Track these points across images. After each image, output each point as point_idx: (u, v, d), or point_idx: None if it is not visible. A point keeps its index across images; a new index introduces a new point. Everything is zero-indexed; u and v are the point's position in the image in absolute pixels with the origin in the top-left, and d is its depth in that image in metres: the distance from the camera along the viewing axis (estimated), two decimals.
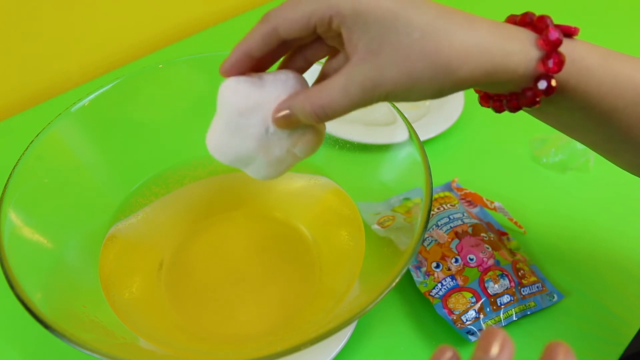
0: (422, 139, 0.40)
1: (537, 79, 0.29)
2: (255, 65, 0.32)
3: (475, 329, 0.40)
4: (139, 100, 0.47)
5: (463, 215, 0.47)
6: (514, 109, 0.31)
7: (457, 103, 0.61)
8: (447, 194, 0.50)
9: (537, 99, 0.30)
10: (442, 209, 0.48)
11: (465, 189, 0.52)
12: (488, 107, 0.34)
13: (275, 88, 0.31)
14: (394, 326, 0.43)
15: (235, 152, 0.32)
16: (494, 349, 0.22)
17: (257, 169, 0.33)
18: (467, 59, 0.28)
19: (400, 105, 0.42)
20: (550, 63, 0.28)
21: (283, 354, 0.29)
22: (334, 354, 0.39)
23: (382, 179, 0.45)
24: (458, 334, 0.41)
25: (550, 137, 0.57)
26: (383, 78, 0.28)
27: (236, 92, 0.31)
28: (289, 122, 0.31)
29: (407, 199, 0.41)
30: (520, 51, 0.29)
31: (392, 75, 0.28)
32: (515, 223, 0.50)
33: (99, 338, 0.33)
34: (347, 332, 0.40)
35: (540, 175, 0.56)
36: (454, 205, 0.48)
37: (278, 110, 0.31)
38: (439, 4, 0.29)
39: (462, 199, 0.51)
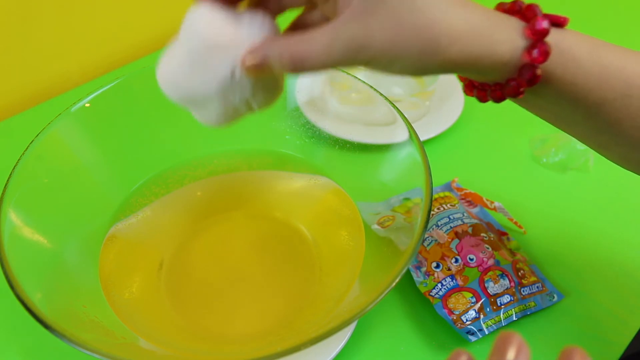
0: (422, 139, 0.40)
1: (522, 68, 0.29)
2: None
3: (475, 329, 0.40)
4: (139, 100, 0.47)
5: (463, 215, 0.47)
6: (498, 99, 0.31)
7: (457, 103, 0.61)
8: (447, 194, 0.50)
9: (521, 89, 0.29)
10: (442, 209, 0.48)
11: (465, 189, 0.52)
12: (472, 95, 0.33)
13: (251, 30, 0.28)
14: (394, 326, 0.43)
15: (190, 90, 0.29)
16: (510, 354, 0.22)
17: (207, 114, 0.30)
18: (457, 39, 0.27)
19: (400, 106, 0.42)
20: (536, 53, 0.28)
21: (283, 354, 0.29)
22: (334, 354, 0.39)
23: (382, 179, 0.45)
24: (458, 334, 0.41)
25: (550, 137, 0.57)
26: (370, 42, 0.27)
27: (209, 23, 0.27)
28: (260, 70, 0.28)
29: (407, 199, 0.41)
30: (507, 39, 0.28)
31: (380, 40, 0.27)
32: (515, 223, 0.50)
33: (99, 338, 0.33)
34: (347, 332, 0.40)
35: (540, 175, 0.56)
36: (454, 205, 0.48)
37: (252, 54, 0.28)
38: None
39: (462, 199, 0.51)
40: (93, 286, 0.39)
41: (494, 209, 0.50)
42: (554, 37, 0.29)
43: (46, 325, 0.29)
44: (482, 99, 0.32)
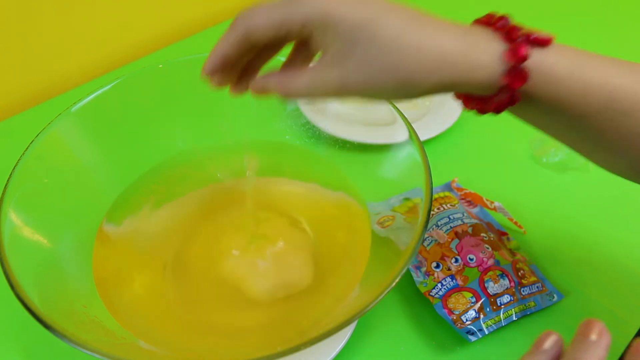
0: (422, 139, 0.40)
1: (501, 90, 0.29)
2: (235, 62, 0.33)
3: (475, 329, 0.40)
4: (139, 100, 0.47)
5: (463, 215, 0.47)
6: (481, 112, 0.32)
7: (457, 103, 0.61)
8: (447, 194, 0.50)
9: (501, 108, 0.30)
10: (442, 209, 0.48)
11: (465, 189, 0.52)
12: (459, 100, 0.34)
13: None
14: (394, 326, 0.43)
15: None
16: (593, 335, 0.25)
17: None
18: (431, 73, 0.28)
19: (400, 106, 0.42)
20: (514, 77, 0.29)
21: (283, 354, 0.29)
22: (334, 354, 0.39)
23: (382, 179, 0.45)
24: (458, 334, 0.41)
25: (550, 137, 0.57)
26: (347, 83, 0.29)
27: None
28: (262, 93, 0.33)
29: (407, 199, 0.41)
30: (485, 64, 0.29)
31: (356, 82, 0.29)
32: (515, 223, 0.50)
33: (99, 338, 0.33)
34: (347, 332, 0.40)
35: (540, 175, 0.56)
36: (454, 205, 0.48)
37: (257, 82, 0.33)
38: (409, 9, 0.29)
39: (462, 199, 0.51)
40: (93, 286, 0.39)
41: (494, 209, 0.50)
42: (535, 58, 0.29)
43: (46, 325, 0.29)
44: (466, 107, 0.33)
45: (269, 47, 0.34)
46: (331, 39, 0.29)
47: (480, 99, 0.32)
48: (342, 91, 0.30)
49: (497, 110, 0.31)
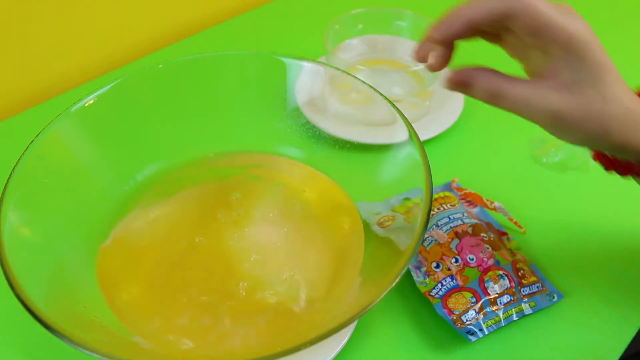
0: (422, 139, 0.40)
1: None
2: (472, 32, 0.32)
3: (475, 329, 0.40)
4: (139, 100, 0.47)
5: (463, 215, 0.47)
6: (624, 174, 0.35)
7: (457, 103, 0.61)
8: (447, 194, 0.50)
9: None
10: (442, 209, 0.48)
11: (465, 189, 0.52)
12: (597, 161, 0.37)
13: None
14: (394, 326, 0.43)
15: None
16: None
17: None
18: (626, 129, 0.31)
19: (400, 106, 0.42)
20: None
21: (283, 354, 0.29)
22: (334, 354, 0.39)
23: (382, 179, 0.45)
24: (458, 334, 0.41)
25: (550, 137, 0.57)
26: (564, 114, 0.30)
27: None
28: (460, 86, 0.33)
29: (407, 199, 0.41)
30: None
31: (572, 116, 0.30)
32: (515, 223, 0.50)
33: (99, 338, 0.33)
34: (347, 332, 0.40)
35: (540, 175, 0.56)
36: (454, 205, 0.48)
37: (459, 72, 0.32)
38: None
39: (462, 199, 0.51)
40: (93, 286, 0.39)
41: (494, 209, 0.50)
42: None
43: (46, 325, 0.29)
44: (608, 168, 0.36)
45: (487, 34, 0.33)
46: (572, 66, 0.30)
47: (630, 164, 0.34)
48: (555, 119, 0.31)
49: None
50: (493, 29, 0.33)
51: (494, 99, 0.31)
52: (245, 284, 0.41)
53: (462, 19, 0.31)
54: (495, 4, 0.30)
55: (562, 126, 0.31)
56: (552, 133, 0.33)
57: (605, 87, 0.30)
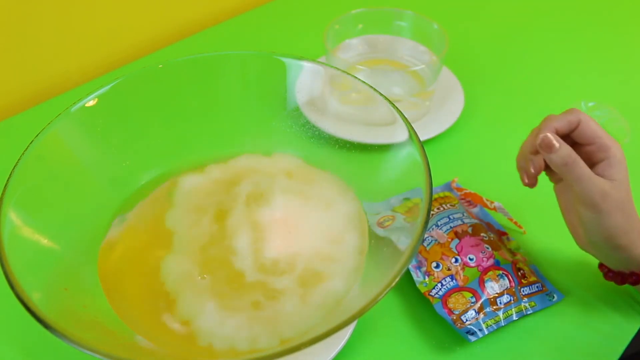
0: (422, 139, 0.40)
1: None
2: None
3: (475, 329, 0.40)
4: (139, 100, 0.47)
5: (463, 215, 0.47)
6: (622, 284, 0.43)
7: (457, 103, 0.61)
8: (447, 194, 0.50)
9: None
10: (442, 209, 0.48)
11: (465, 189, 0.52)
12: (604, 272, 0.44)
13: None
14: (394, 326, 0.43)
15: None
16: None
17: None
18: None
19: (400, 105, 0.42)
20: None
21: (283, 353, 0.29)
22: (333, 354, 0.39)
23: (382, 179, 0.45)
24: (458, 334, 0.41)
25: None
26: (607, 193, 0.38)
27: None
28: (544, 148, 0.40)
29: (407, 199, 0.41)
30: None
31: (612, 197, 0.38)
32: (515, 223, 0.50)
33: (99, 338, 0.33)
34: (347, 332, 0.40)
35: (541, 175, 0.56)
36: (453, 205, 0.48)
37: (549, 138, 0.40)
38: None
39: (462, 199, 0.51)
40: (93, 286, 0.39)
41: (494, 209, 0.50)
42: None
43: (46, 325, 0.29)
44: (619, 282, 0.43)
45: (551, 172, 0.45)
46: (612, 171, 0.39)
47: (629, 273, 0.42)
48: (604, 195, 0.38)
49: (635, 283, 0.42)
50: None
51: (567, 167, 0.39)
52: (248, 283, 0.41)
53: (550, 128, 0.41)
54: (570, 117, 0.41)
55: (604, 205, 0.38)
56: (590, 213, 0.39)
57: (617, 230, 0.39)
